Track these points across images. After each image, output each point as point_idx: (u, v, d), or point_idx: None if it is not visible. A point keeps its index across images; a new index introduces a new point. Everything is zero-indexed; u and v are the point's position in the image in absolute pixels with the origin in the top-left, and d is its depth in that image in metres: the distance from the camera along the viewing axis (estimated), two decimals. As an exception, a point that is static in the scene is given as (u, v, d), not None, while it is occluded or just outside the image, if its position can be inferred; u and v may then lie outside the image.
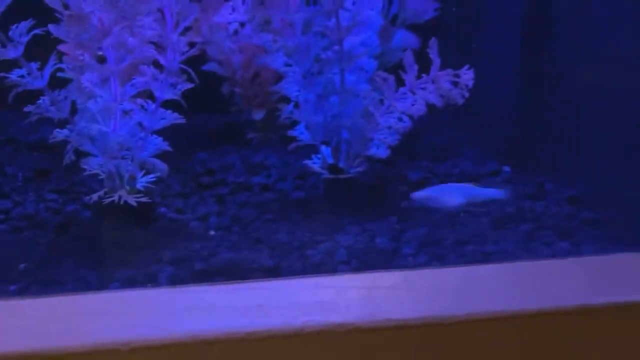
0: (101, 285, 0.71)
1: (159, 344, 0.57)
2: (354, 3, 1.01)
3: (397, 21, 1.23)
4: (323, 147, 1.05)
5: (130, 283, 0.71)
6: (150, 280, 0.72)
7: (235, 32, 1.25)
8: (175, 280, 0.71)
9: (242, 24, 1.17)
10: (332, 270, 0.74)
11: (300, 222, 0.91)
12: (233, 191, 1.05)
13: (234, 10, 1.06)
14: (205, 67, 1.26)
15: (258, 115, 1.39)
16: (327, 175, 1.04)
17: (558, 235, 0.86)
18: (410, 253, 0.78)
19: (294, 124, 1.05)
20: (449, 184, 0.99)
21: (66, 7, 0.81)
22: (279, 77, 1.21)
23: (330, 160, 1.04)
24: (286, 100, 1.05)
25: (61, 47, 0.88)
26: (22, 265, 0.76)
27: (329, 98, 1.01)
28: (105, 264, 0.75)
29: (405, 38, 1.22)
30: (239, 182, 1.08)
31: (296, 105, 1.02)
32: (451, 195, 0.95)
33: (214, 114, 1.38)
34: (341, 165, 1.04)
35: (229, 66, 1.31)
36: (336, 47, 0.99)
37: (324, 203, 0.99)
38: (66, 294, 0.67)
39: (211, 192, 1.05)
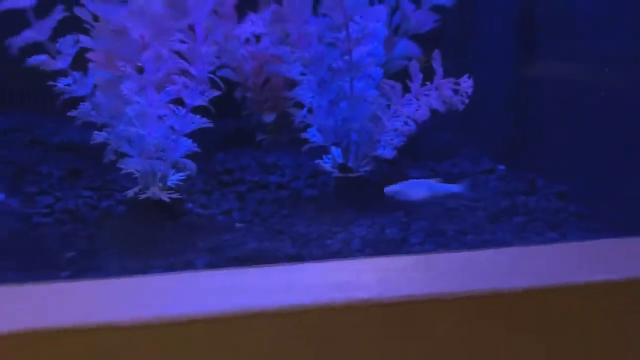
0: (146, 271, 0.80)
1: (207, 319, 0.66)
2: (361, 16, 1.11)
3: (399, 31, 1.33)
4: (333, 149, 1.14)
5: (172, 269, 0.80)
6: (190, 267, 0.81)
7: (247, 41, 1.35)
8: (212, 267, 0.81)
9: (258, 37, 1.26)
10: (349, 257, 0.84)
11: (316, 216, 1.00)
12: (251, 189, 1.14)
13: (252, 23, 1.15)
14: (218, 73, 1.35)
15: (269, 118, 1.48)
16: (337, 174, 1.13)
17: (549, 227, 0.96)
18: (417, 242, 0.88)
19: (304, 126, 1.14)
20: (416, 180, 1.08)
21: (96, 18, 0.91)
22: (289, 84, 1.32)
23: (341, 161, 1.14)
24: (298, 105, 1.14)
25: (90, 56, 0.97)
26: (71, 254, 0.85)
27: (339, 104, 1.11)
28: (147, 253, 0.85)
29: (407, 47, 1.32)
30: (256, 181, 1.17)
31: (310, 111, 1.12)
32: (417, 190, 1.04)
33: (227, 118, 1.47)
34: (350, 164, 1.13)
35: (242, 73, 1.40)
36: (347, 58, 1.09)
37: (336, 199, 1.09)
38: (115, 278, 0.76)
39: (231, 189, 1.14)
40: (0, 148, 1.21)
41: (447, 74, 1.01)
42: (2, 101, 1.34)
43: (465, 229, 0.92)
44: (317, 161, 1.15)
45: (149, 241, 0.89)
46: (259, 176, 1.20)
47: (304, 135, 1.14)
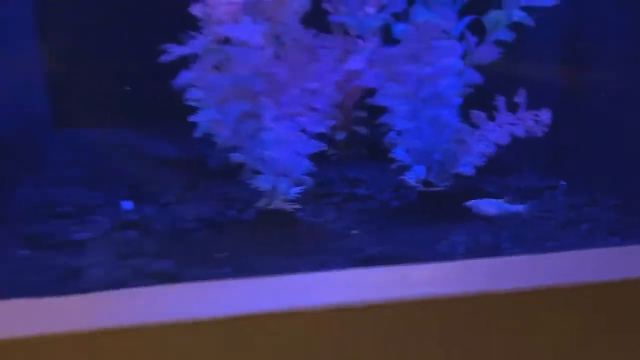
0: (293, 269, 0.98)
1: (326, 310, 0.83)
2: (441, 51, 1.30)
3: (465, 61, 1.52)
4: (417, 166, 1.34)
5: (313, 268, 0.99)
6: (327, 266, 0.99)
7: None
8: (345, 266, 0.99)
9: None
10: (455, 259, 1.02)
11: (414, 224, 1.19)
12: (345, 200, 1.33)
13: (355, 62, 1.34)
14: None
15: (339, 136, 1.68)
16: (421, 188, 1.33)
17: (609, 234, 1.15)
18: (506, 247, 1.07)
19: (373, 144, 1.34)
20: (488, 199, 1.29)
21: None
22: (357, 106, 1.53)
23: (423, 176, 1.33)
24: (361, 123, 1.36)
25: (230, 91, 1.16)
26: (224, 254, 1.04)
27: (424, 128, 1.30)
28: (289, 254, 1.03)
29: (472, 76, 1.51)
30: (346, 193, 1.36)
31: (398, 133, 1.31)
32: (489, 207, 1.25)
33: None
34: (432, 179, 1.32)
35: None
36: (432, 89, 1.28)
37: (425, 210, 1.27)
38: (274, 275, 0.94)
39: (328, 200, 1.32)
40: (130, 161, 1.40)
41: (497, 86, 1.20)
42: (134, 122, 1.54)
43: (544, 237, 1.11)
44: (402, 176, 1.34)
45: (286, 244, 1.07)
46: (346, 189, 1.39)
47: (390, 155, 1.33)
